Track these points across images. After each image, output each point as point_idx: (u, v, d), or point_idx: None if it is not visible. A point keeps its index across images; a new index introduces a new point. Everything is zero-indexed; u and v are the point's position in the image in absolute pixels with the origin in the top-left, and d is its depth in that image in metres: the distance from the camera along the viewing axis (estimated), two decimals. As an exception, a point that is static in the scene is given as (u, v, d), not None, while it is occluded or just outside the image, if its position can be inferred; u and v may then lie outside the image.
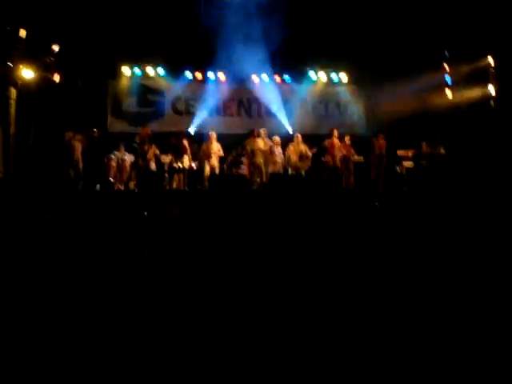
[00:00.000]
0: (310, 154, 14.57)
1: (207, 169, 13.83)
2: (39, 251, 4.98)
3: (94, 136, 14.07)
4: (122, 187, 14.05)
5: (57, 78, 14.06)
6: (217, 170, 13.95)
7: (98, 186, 13.74)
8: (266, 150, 13.83)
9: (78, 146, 13.21)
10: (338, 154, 14.02)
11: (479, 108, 13.34)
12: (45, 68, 13.67)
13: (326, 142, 14.11)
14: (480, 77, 13.37)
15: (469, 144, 13.21)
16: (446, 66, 14.78)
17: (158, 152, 14.06)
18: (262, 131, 14.21)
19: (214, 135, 14.14)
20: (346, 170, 14.15)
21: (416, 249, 4.92)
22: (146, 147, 13.57)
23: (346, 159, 14.18)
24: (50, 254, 4.86)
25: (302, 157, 14.27)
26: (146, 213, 8.05)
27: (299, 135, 14.50)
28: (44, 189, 11.76)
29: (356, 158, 14.52)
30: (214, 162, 13.92)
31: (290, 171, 14.20)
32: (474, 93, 13.65)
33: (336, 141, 14.04)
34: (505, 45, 12.10)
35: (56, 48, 13.71)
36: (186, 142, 13.77)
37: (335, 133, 14.08)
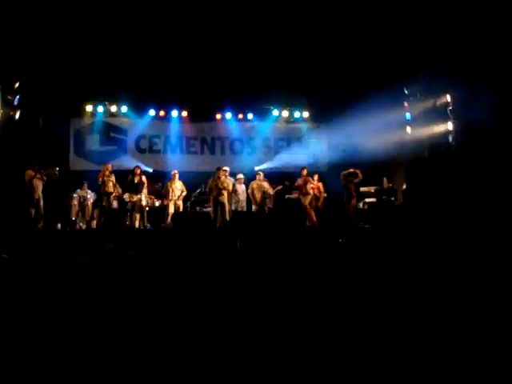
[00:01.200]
0: (271, 192, 14.66)
1: (171, 207, 13.77)
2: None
3: (55, 174, 13.94)
4: (84, 226, 13.86)
5: (18, 114, 13.92)
6: (181, 209, 13.90)
7: (59, 225, 13.51)
8: (228, 189, 13.81)
9: (39, 185, 13.01)
10: (309, 192, 14.06)
11: (439, 145, 13.62)
12: (6, 105, 13.54)
13: (299, 181, 14.17)
14: (439, 114, 13.69)
15: (430, 179, 13.43)
16: (405, 103, 15.12)
17: (120, 190, 13.95)
18: (224, 169, 14.21)
19: (177, 174, 14.14)
20: (314, 209, 14.18)
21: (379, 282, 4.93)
22: (108, 185, 13.47)
23: (316, 198, 14.26)
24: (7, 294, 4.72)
25: (264, 195, 14.34)
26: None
27: (261, 173, 14.60)
28: (3, 227, 11.49)
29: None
30: (178, 200, 13.90)
31: (253, 208, 14.25)
32: (433, 130, 13.95)
33: (307, 179, 14.11)
34: (462, 83, 12.43)
35: (16, 85, 13.63)
36: (144, 179, 13.69)
37: (304, 171, 14.16)
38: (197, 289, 4.55)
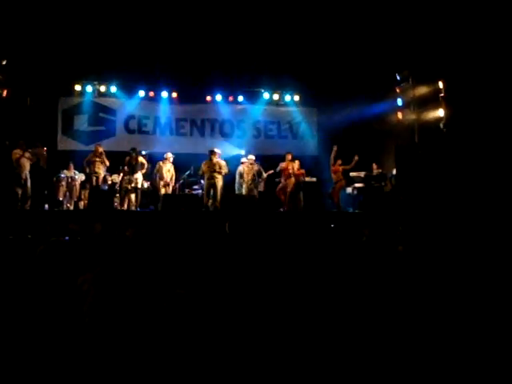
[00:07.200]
0: (264, 175, 14.59)
1: (161, 189, 13.69)
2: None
3: (43, 154, 13.83)
4: (72, 206, 13.76)
5: (5, 93, 13.77)
6: (170, 190, 13.82)
7: (46, 206, 13.40)
8: (220, 171, 13.68)
9: (27, 165, 12.87)
10: (291, 177, 14.01)
11: (430, 131, 13.63)
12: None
13: (281, 166, 14.11)
14: (431, 100, 13.68)
15: (420, 166, 13.42)
16: (397, 89, 15.11)
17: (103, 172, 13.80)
18: (216, 152, 14.05)
19: (169, 155, 14.03)
20: (296, 193, 14.12)
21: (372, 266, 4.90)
22: (96, 166, 13.40)
23: (297, 182, 14.16)
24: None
25: (255, 178, 14.26)
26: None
27: (252, 156, 14.52)
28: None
29: (307, 178, 14.57)
30: (168, 181, 13.81)
31: (243, 191, 14.16)
32: (425, 116, 13.99)
33: (289, 164, 14.05)
34: (455, 70, 12.41)
35: (3, 62, 13.47)
36: (141, 159, 13.58)
37: (289, 156, 14.11)
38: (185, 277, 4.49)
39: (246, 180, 14.19)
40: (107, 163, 13.59)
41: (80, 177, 13.98)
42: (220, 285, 3.98)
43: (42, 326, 3.06)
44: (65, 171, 14.00)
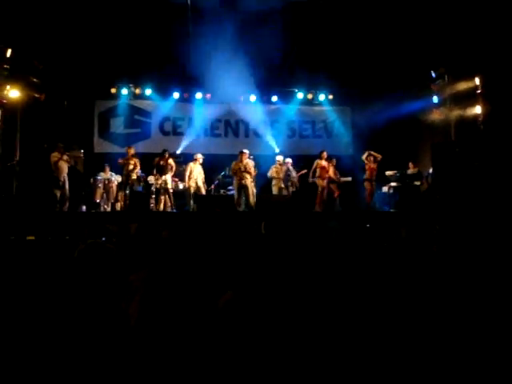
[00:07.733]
0: (295, 175, 14.51)
1: (192, 190, 13.73)
2: (25, 275, 4.84)
3: (80, 157, 14.07)
4: (109, 208, 13.91)
5: (43, 97, 13.98)
6: (203, 191, 13.85)
7: (83, 208, 13.58)
8: (251, 171, 13.65)
9: (65, 167, 13.08)
10: (327, 176, 13.94)
11: (468, 128, 13.42)
12: (30, 87, 13.60)
13: (316, 164, 14.00)
14: (468, 97, 13.47)
15: (457, 164, 13.22)
16: (433, 86, 14.91)
17: (138, 173, 13.89)
18: (245, 152, 13.96)
19: (199, 156, 14.07)
20: (332, 192, 14.09)
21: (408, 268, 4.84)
22: (131, 167, 13.50)
23: (331, 181, 14.10)
24: (34, 278, 4.71)
25: (286, 178, 14.22)
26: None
27: (281, 157, 14.46)
28: (29, 210, 11.57)
29: (343, 179, 14.52)
30: (200, 182, 13.84)
31: (274, 192, 14.13)
32: (462, 113, 13.77)
33: (325, 163, 13.96)
34: (493, 66, 12.19)
35: (41, 67, 13.70)
36: (171, 161, 13.69)
37: (324, 155, 14.01)
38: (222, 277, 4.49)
39: (276, 181, 14.18)
40: (135, 164, 13.68)
41: (116, 178, 14.12)
42: (264, 284, 3.98)
43: (83, 325, 3.09)
44: (101, 173, 14.17)
